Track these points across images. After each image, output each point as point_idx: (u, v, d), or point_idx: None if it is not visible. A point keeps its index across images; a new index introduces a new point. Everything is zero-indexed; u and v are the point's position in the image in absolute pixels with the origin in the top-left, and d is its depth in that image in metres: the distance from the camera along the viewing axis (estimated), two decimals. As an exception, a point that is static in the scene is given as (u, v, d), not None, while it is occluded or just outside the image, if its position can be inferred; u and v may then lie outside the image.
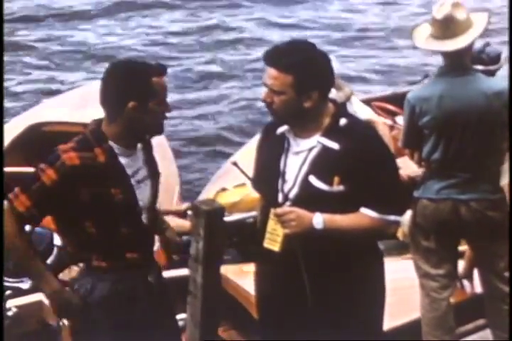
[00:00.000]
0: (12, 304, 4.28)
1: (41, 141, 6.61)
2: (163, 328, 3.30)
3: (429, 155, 4.21)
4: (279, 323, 3.32)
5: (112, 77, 3.10)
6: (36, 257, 3.18)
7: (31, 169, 5.75)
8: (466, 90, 4.11)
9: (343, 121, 3.16)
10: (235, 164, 3.38)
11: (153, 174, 3.30)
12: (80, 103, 7.13)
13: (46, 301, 3.47)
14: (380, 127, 6.11)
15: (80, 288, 3.20)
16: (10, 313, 4.25)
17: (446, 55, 4.16)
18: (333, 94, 5.97)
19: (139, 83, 3.04)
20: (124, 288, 3.19)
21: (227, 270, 4.67)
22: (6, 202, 3.14)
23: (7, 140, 6.54)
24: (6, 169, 5.87)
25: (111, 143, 3.12)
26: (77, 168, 3.03)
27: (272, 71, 3.08)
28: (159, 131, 3.19)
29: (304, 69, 3.05)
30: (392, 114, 7.47)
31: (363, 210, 3.14)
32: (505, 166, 4.18)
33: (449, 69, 4.17)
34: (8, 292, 4.42)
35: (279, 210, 3.10)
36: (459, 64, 4.15)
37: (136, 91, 3.04)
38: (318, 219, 3.08)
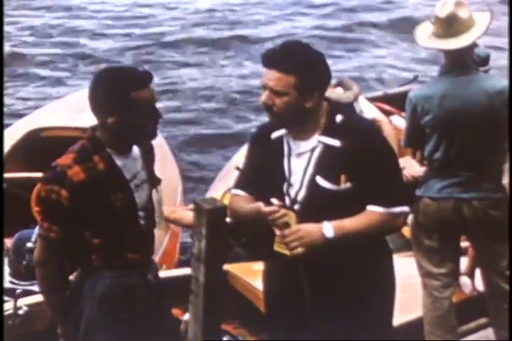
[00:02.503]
0: (23, 303, 4.22)
1: (40, 146, 6.58)
2: (162, 326, 3.24)
3: (431, 154, 4.13)
4: (287, 320, 3.24)
5: (95, 89, 3.02)
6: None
7: (31, 174, 5.85)
8: (467, 89, 4.03)
9: (339, 118, 3.09)
10: (238, 169, 3.33)
11: (152, 178, 3.24)
12: (78, 107, 6.99)
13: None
14: (385, 126, 6.09)
15: (80, 287, 3.15)
16: (21, 312, 4.21)
17: (448, 53, 4.07)
18: (342, 93, 5.98)
19: (117, 100, 2.96)
20: (124, 285, 3.13)
21: (237, 268, 4.64)
22: (38, 240, 3.12)
23: (6, 146, 6.48)
24: (7, 175, 5.90)
25: (107, 148, 3.05)
26: (84, 182, 2.98)
27: (272, 73, 3.00)
28: (149, 137, 3.13)
29: (305, 70, 2.99)
30: (387, 114, 7.45)
31: (369, 207, 3.06)
32: (507, 165, 4.10)
33: (451, 68, 4.08)
34: (18, 291, 4.44)
35: (286, 232, 3.01)
36: (460, 63, 4.06)
37: (113, 107, 2.97)
38: (327, 227, 3.00)
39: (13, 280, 4.50)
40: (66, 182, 2.97)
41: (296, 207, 3.09)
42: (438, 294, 4.23)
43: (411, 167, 4.89)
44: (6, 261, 4.75)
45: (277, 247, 3.14)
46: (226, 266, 4.61)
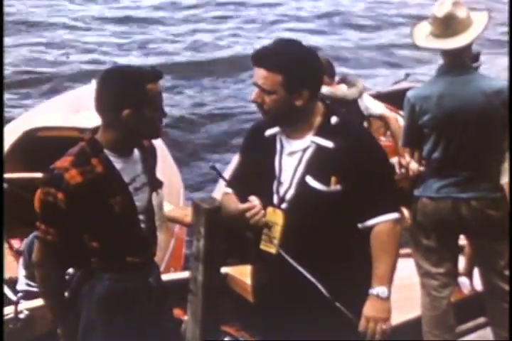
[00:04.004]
0: (24, 307, 4.18)
1: (37, 146, 6.55)
2: (162, 330, 3.19)
3: (429, 154, 4.09)
4: (273, 316, 3.21)
5: (106, 83, 2.97)
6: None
7: (35, 175, 5.82)
8: (465, 89, 3.99)
9: (334, 120, 3.06)
10: (213, 168, 3.30)
11: (153, 181, 3.19)
12: (74, 107, 7.00)
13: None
14: (393, 123, 6.05)
15: (79, 289, 3.10)
16: (22, 316, 4.19)
17: (446, 53, 4.03)
18: (347, 90, 5.96)
19: (134, 90, 2.92)
20: (123, 288, 3.08)
21: (236, 270, 4.62)
22: (36, 242, 3.08)
23: (4, 146, 6.39)
24: (10, 175, 5.89)
25: (106, 151, 3.00)
26: (81, 185, 2.93)
27: (261, 71, 2.99)
28: (155, 135, 3.09)
29: (292, 68, 2.96)
30: None
31: (373, 221, 3.02)
32: (506, 165, 4.05)
33: (449, 68, 4.04)
34: (19, 294, 4.42)
35: (363, 333, 3.00)
36: (458, 62, 4.02)
37: (130, 98, 2.92)
38: (379, 291, 2.99)
39: (30, 283, 4.49)
40: (63, 185, 2.92)
41: (284, 205, 3.06)
42: (436, 294, 4.18)
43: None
44: (21, 263, 4.75)
45: (263, 246, 3.11)
46: (226, 269, 4.60)
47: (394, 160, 4.94)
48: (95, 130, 3.07)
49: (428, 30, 4.04)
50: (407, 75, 9.18)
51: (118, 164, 3.04)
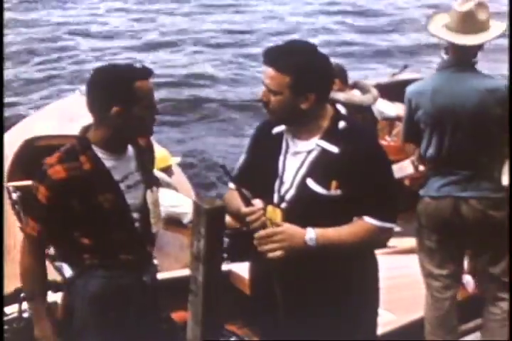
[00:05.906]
0: (27, 306, 4.24)
1: (37, 155, 6.60)
2: (157, 329, 3.18)
3: (424, 151, 4.07)
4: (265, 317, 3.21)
5: (96, 82, 2.98)
6: (45, 294, 3.16)
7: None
8: (459, 86, 3.95)
9: (342, 124, 3.01)
10: (222, 167, 3.29)
11: (148, 179, 3.18)
12: (66, 115, 7.07)
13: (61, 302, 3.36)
14: None
15: (73, 287, 3.11)
16: (25, 315, 4.21)
17: (452, 48, 4.00)
18: (363, 96, 5.99)
19: (122, 88, 2.92)
20: (117, 285, 3.08)
21: (240, 268, 4.62)
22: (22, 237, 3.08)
23: (6, 156, 6.53)
24: (22, 183, 5.94)
25: (95, 148, 3.01)
26: (64, 181, 2.93)
27: (269, 70, 2.93)
28: (147, 133, 3.08)
29: (301, 71, 2.89)
30: None
31: (365, 218, 2.97)
32: (507, 166, 4.01)
33: (450, 64, 4.01)
34: (22, 294, 4.40)
35: (269, 231, 2.89)
36: (462, 60, 3.99)
37: (119, 96, 2.92)
38: (311, 235, 2.89)
39: None
40: (46, 180, 2.95)
41: (283, 205, 3.02)
42: (439, 295, 4.16)
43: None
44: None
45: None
46: (229, 266, 4.60)
47: (408, 160, 4.94)
48: (87, 128, 3.07)
49: (444, 21, 4.00)
50: (405, 67, 9.14)
51: (109, 161, 3.04)
